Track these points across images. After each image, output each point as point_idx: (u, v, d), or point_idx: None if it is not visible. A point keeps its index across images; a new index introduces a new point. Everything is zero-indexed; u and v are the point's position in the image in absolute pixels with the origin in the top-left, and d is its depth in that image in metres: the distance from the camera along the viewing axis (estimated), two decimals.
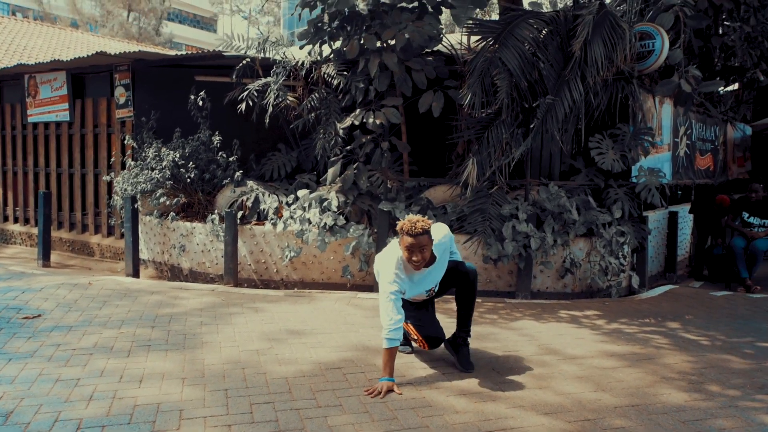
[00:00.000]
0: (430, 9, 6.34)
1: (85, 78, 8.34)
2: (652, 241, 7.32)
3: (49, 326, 4.57)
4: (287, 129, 6.93)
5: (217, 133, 6.99)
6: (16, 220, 9.44)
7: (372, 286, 6.32)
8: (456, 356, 3.88)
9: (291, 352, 4.12)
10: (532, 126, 5.71)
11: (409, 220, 3.46)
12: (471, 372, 3.73)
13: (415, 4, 6.06)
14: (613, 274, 6.46)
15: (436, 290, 3.88)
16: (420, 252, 3.44)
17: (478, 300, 5.89)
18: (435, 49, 6.40)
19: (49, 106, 8.50)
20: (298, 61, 6.18)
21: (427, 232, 3.45)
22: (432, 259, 3.64)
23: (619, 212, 6.42)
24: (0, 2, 44.99)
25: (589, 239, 6.40)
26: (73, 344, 4.18)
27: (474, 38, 6.17)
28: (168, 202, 6.83)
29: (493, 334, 4.70)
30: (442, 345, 3.99)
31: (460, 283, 3.84)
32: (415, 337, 3.89)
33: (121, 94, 7.65)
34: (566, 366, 3.96)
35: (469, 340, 3.90)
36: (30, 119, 8.80)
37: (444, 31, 6.40)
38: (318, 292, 6.15)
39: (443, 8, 6.33)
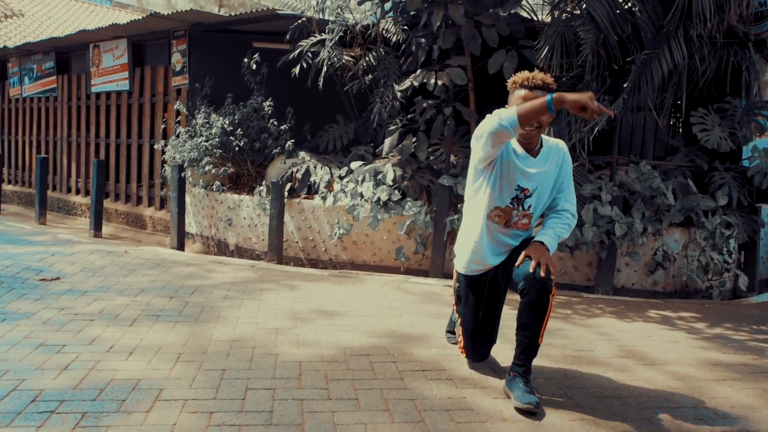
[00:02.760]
0: None
1: (145, 46, 8.10)
2: (765, 238, 6.16)
3: (62, 289, 4.17)
4: (345, 99, 6.33)
5: (270, 100, 6.49)
6: (78, 192, 9.38)
7: (428, 271, 5.61)
8: (511, 392, 2.63)
9: (315, 334, 3.49)
10: (623, 88, 4.80)
11: (526, 72, 2.70)
12: (533, 405, 2.51)
13: None
14: (715, 273, 5.43)
15: (531, 206, 2.77)
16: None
17: None
18: (513, 11, 5.59)
19: (110, 75, 8.33)
20: (354, 19, 5.53)
21: (547, 88, 2.60)
22: (540, 147, 2.77)
23: (725, 199, 5.38)
24: None
25: (686, 229, 5.40)
26: (78, 309, 3.73)
27: None
28: (215, 172, 6.39)
29: (562, 330, 3.88)
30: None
31: (527, 283, 2.61)
32: (459, 340, 3.05)
33: (177, 61, 7.31)
34: (653, 373, 3.11)
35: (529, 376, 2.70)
36: (93, 89, 8.68)
37: None
38: (366, 273, 5.50)
39: None
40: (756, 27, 5.49)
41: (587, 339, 3.69)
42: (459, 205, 5.49)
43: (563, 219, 2.87)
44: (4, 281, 4.27)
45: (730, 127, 5.59)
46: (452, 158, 5.87)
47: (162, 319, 3.63)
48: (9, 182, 10.86)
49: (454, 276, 3.07)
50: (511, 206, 2.77)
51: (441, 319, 3.98)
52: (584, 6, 4.64)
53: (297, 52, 5.74)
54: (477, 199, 2.82)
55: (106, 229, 8.30)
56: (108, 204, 8.68)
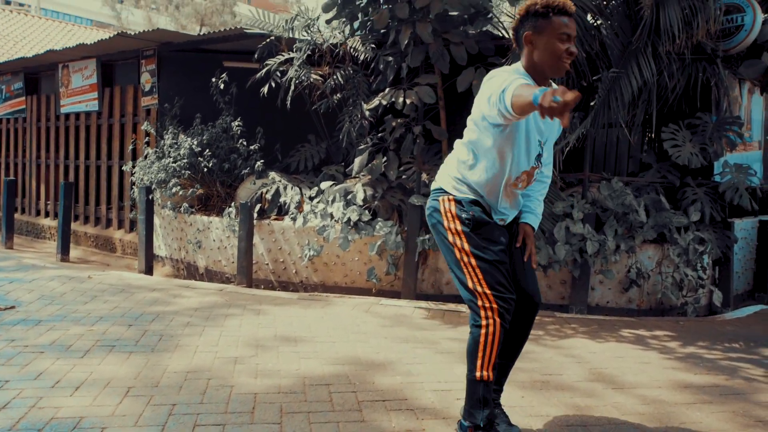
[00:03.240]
0: None
1: (115, 66, 7.98)
2: (739, 254, 6.15)
3: (15, 319, 4.00)
4: (315, 118, 6.24)
5: (239, 119, 6.39)
6: (47, 214, 9.17)
7: (400, 292, 5.50)
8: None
9: (276, 362, 3.36)
10: (591, 104, 4.76)
11: None
12: None
13: None
14: (689, 289, 5.39)
15: (543, 158, 2.44)
16: (573, 43, 2.25)
17: None
18: (483, 28, 5.55)
19: (80, 95, 8.19)
20: (322, 37, 5.45)
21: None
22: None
23: (698, 215, 5.35)
24: (80, 17, 47.20)
25: (660, 246, 5.36)
26: (29, 340, 3.57)
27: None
28: (182, 193, 6.25)
29: (532, 353, 3.78)
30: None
31: (536, 298, 2.50)
32: (477, 292, 2.31)
33: (146, 81, 7.20)
34: (622, 397, 3.02)
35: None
36: (62, 110, 8.52)
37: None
38: (337, 296, 5.38)
39: None
40: (724, 43, 5.51)
41: (557, 362, 3.60)
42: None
43: (543, 193, 2.62)
44: None
45: (701, 142, 5.58)
46: (424, 177, 5.79)
47: (116, 350, 3.48)
48: None
49: (453, 212, 2.39)
50: (535, 165, 2.40)
51: (409, 343, 3.88)
52: None
53: (264, 70, 5.66)
54: (493, 154, 2.32)
55: (75, 252, 8.10)
56: (77, 227, 8.48)
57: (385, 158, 5.54)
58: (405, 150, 5.30)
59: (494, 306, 2.27)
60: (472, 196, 2.39)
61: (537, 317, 4.69)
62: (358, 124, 5.31)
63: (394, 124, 5.35)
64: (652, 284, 5.36)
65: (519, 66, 2.33)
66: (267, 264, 6.03)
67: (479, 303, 2.29)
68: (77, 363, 3.22)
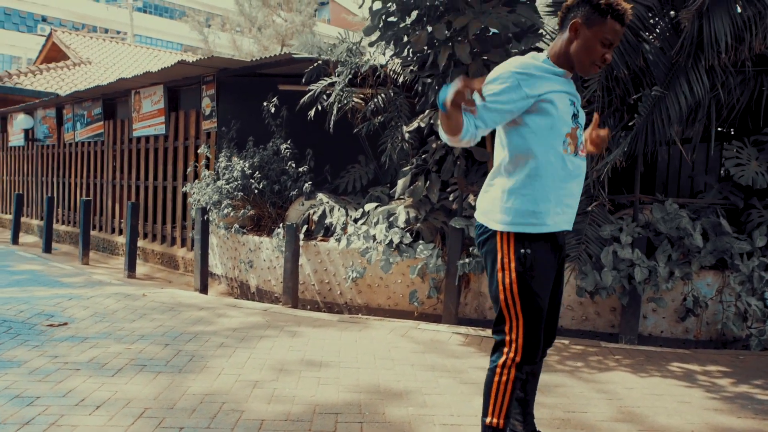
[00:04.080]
0: None
1: (180, 91, 8.39)
2: None
3: (64, 336, 4.24)
4: (362, 140, 6.29)
5: (289, 142, 6.55)
6: (121, 232, 9.72)
7: (441, 316, 5.42)
8: None
9: (293, 388, 3.38)
10: (630, 124, 4.54)
11: None
12: None
13: None
14: (755, 320, 4.99)
15: (579, 124, 2.31)
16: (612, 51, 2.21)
17: (564, 342, 4.78)
18: (533, 45, 5.43)
19: (149, 120, 8.66)
20: (365, 60, 5.50)
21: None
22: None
23: (764, 240, 4.96)
24: (171, 42, 50.12)
25: (720, 273, 5.00)
26: (70, 357, 3.77)
27: None
28: (234, 214, 6.45)
29: (562, 386, 3.61)
30: None
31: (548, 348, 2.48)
32: (509, 338, 2.24)
33: (206, 105, 7.52)
34: None
35: None
36: (134, 134, 9.04)
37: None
38: (377, 319, 5.37)
39: None
40: None
41: (585, 398, 3.42)
42: (471, 248, 5.31)
43: None
44: (13, 326, 4.40)
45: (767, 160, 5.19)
46: (470, 199, 5.70)
47: (147, 369, 3.61)
48: (63, 222, 11.41)
49: (512, 248, 2.22)
50: (575, 125, 2.27)
51: (435, 371, 3.80)
52: None
53: (309, 94, 5.77)
54: (534, 138, 2.20)
55: (143, 269, 8.53)
56: (146, 244, 8.94)
57: (427, 180, 5.49)
58: (446, 172, 5.24)
59: (518, 359, 2.21)
60: (533, 228, 2.20)
61: (581, 347, 4.51)
62: (399, 146, 5.30)
63: (434, 145, 5.31)
64: (712, 314, 5.00)
65: (538, 56, 2.25)
66: (313, 285, 6.10)
67: (505, 349, 2.24)
68: (106, 381, 3.37)
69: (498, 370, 2.23)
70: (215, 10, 45.62)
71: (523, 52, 5.29)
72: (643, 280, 4.80)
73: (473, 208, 5.68)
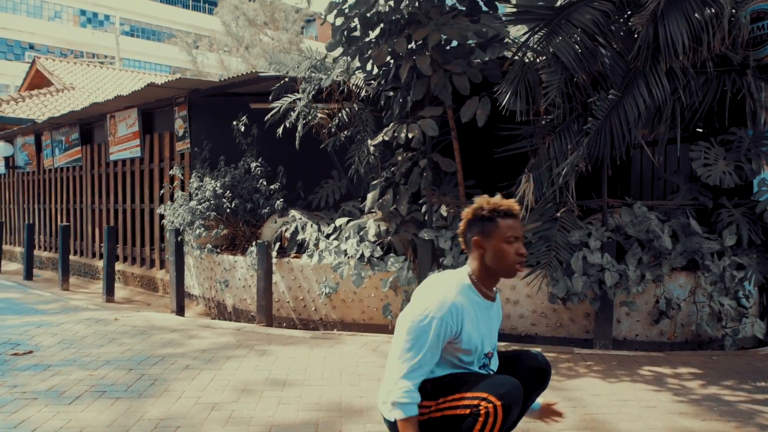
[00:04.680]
0: (482, 5, 5.47)
1: (153, 113, 8.38)
2: None
3: (28, 364, 4.18)
4: (333, 155, 6.28)
5: (260, 160, 6.53)
6: (101, 256, 9.65)
7: None
8: None
9: (252, 409, 3.33)
10: (585, 128, 4.53)
11: (479, 203, 2.30)
12: None
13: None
14: (729, 320, 4.96)
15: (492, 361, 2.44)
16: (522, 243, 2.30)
17: (537, 349, 4.72)
18: (498, 56, 5.43)
19: (125, 143, 8.64)
20: (324, 75, 5.50)
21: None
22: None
23: (734, 239, 4.95)
24: (159, 65, 50.32)
25: (692, 274, 4.99)
26: (29, 386, 3.71)
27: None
28: (205, 234, 6.42)
29: None
30: None
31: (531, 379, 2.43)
32: (475, 402, 2.13)
33: (179, 126, 7.50)
34: None
35: None
36: (111, 157, 9.01)
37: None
38: (349, 334, 5.32)
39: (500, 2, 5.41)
40: (755, 52, 5.13)
41: None
42: (441, 259, 5.28)
43: None
44: None
45: (735, 160, 5.18)
46: (443, 210, 5.69)
47: (106, 395, 3.55)
48: (44, 249, 11.34)
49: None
50: (485, 358, 2.40)
51: None
52: (550, 48, 4.45)
53: (273, 111, 5.76)
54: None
55: (123, 292, 8.46)
56: (125, 267, 8.88)
57: (396, 193, 5.47)
58: (412, 184, 5.23)
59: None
60: None
61: (554, 354, 4.47)
62: (365, 160, 5.29)
63: (400, 158, 5.30)
64: (686, 315, 4.98)
65: (464, 274, 2.31)
66: (288, 302, 6.05)
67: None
68: (61, 410, 3.31)
69: (477, 423, 2.12)
70: (203, 31, 45.76)
71: (487, 63, 5.31)
72: (614, 284, 4.77)
73: (444, 218, 5.67)
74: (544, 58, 4.51)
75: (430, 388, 2.21)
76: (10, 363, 4.22)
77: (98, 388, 3.68)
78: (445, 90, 5.03)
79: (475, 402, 2.11)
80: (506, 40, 5.49)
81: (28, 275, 9.70)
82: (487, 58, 5.43)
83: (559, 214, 5.06)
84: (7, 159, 12.20)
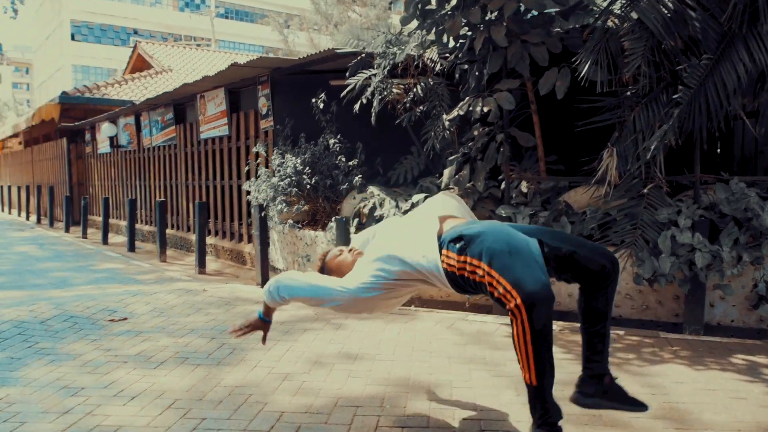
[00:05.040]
0: None
1: (240, 93, 8.64)
2: None
3: (122, 330, 4.49)
4: (411, 131, 6.23)
5: (339, 136, 6.59)
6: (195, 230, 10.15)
7: (491, 307, 5.29)
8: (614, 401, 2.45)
9: (321, 380, 3.40)
10: (674, 98, 4.21)
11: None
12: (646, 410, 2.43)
13: None
14: None
15: None
16: None
17: (620, 332, 4.54)
18: (582, 23, 5.16)
19: (214, 122, 8.98)
20: (398, 50, 5.43)
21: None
22: None
23: None
24: (253, 45, 51.90)
25: None
26: (121, 350, 3.98)
27: None
28: (287, 210, 6.58)
29: None
30: None
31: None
32: (500, 289, 2.17)
33: (263, 105, 7.70)
34: None
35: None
36: (201, 136, 9.41)
37: None
38: (426, 310, 5.32)
39: None
40: None
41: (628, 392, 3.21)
42: None
43: None
44: (78, 322, 4.69)
45: None
46: (523, 186, 5.53)
47: (188, 362, 3.75)
48: (145, 223, 12.08)
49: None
50: None
51: (471, 364, 3.71)
52: (633, 14, 4.16)
53: (349, 88, 5.78)
54: None
55: (215, 265, 8.88)
56: (216, 241, 9.30)
57: (472, 169, 5.36)
58: (488, 159, 5.09)
59: (518, 301, 2.11)
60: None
61: (637, 338, 4.26)
62: (440, 135, 5.21)
63: (476, 133, 5.17)
64: None
65: None
66: None
67: (507, 305, 2.19)
68: (147, 374, 3.52)
69: (513, 326, 2.15)
70: (293, 11, 46.74)
71: (569, 32, 5.06)
72: (706, 266, 4.46)
73: (524, 195, 5.51)
74: (627, 24, 4.22)
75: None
76: (107, 328, 4.54)
77: (181, 355, 3.89)
78: (522, 62, 4.84)
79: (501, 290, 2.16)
80: (590, 7, 5.20)
81: (131, 247, 10.39)
82: (570, 27, 5.17)
83: (645, 191, 4.79)
84: (111, 138, 13.04)
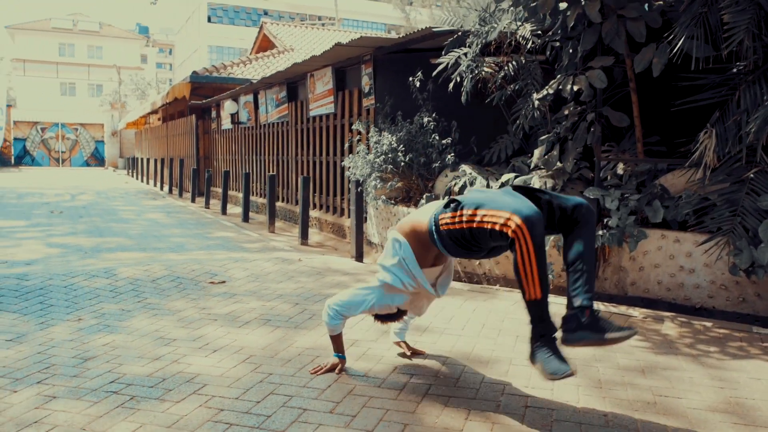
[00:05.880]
0: None
1: (346, 71, 8.92)
2: None
3: (219, 292, 4.93)
4: (504, 110, 6.18)
5: (434, 115, 6.67)
6: None
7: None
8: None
9: (385, 348, 3.57)
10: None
11: None
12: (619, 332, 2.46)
13: None
14: None
15: None
16: None
17: (707, 324, 4.31)
18: None
19: (321, 100, 9.36)
20: (490, 28, 5.37)
21: None
22: None
23: None
24: (375, 23, 52.66)
25: None
26: (214, 310, 4.39)
27: None
28: (381, 186, 6.79)
29: (670, 368, 3.31)
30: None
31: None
32: (498, 219, 2.49)
33: (366, 83, 7.92)
34: None
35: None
36: (311, 113, 9.83)
37: None
38: (507, 290, 5.33)
39: None
40: None
41: (691, 383, 3.10)
42: (606, 220, 4.98)
43: None
44: (182, 282, 5.21)
45: None
46: (619, 168, 5.33)
47: (270, 323, 4.07)
48: (260, 195, 12.85)
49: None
50: None
51: None
52: None
53: (441, 66, 5.82)
54: None
55: (318, 237, 9.33)
56: (320, 214, 9.75)
57: (562, 149, 5.25)
58: (578, 139, 4.96)
59: (518, 221, 2.43)
60: None
61: (726, 331, 4.05)
62: (530, 114, 5.14)
63: (567, 112, 5.05)
64: None
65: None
66: None
67: (508, 233, 2.48)
68: (231, 331, 3.88)
69: (515, 248, 2.44)
70: None
71: (673, 5, 4.77)
72: None
73: (619, 177, 5.32)
74: None
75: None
76: (206, 290, 5.00)
77: (265, 317, 4.23)
78: (618, 38, 4.65)
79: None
80: None
81: (245, 218, 11.14)
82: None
83: (751, 175, 4.46)
84: (232, 115, 13.94)
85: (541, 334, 2.53)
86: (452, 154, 6.42)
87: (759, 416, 2.72)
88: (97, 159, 41.81)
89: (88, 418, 2.60)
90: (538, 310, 2.52)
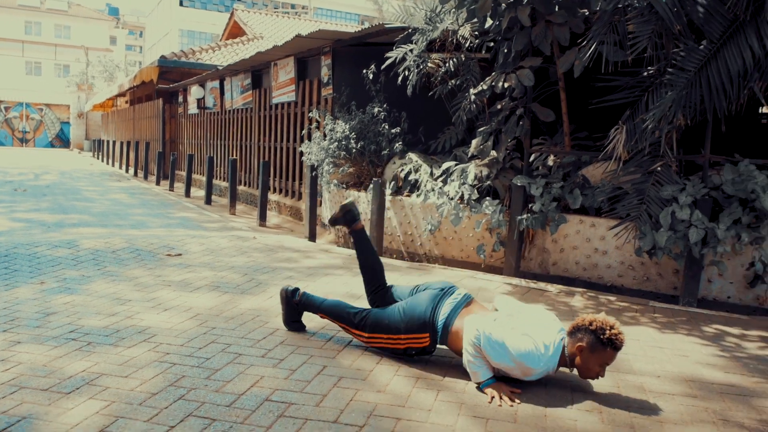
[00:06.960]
0: None
1: (307, 62, 9.31)
2: None
3: (175, 263, 5.30)
4: (446, 103, 6.66)
5: (385, 106, 7.11)
6: None
7: (502, 270, 5.72)
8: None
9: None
10: (664, 79, 4.41)
11: (609, 323, 2.73)
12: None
13: None
14: None
15: None
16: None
17: (611, 298, 4.86)
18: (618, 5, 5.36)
19: (284, 88, 9.73)
20: (433, 27, 5.85)
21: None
22: None
23: None
24: (348, 13, 52.84)
25: None
26: (170, 277, 4.78)
27: None
28: (334, 171, 7.22)
29: None
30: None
31: None
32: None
33: (325, 74, 8.32)
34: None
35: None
36: (273, 101, 10.20)
37: None
38: (442, 268, 5.82)
39: None
40: None
41: None
42: (530, 205, 5.51)
43: None
44: (141, 254, 5.57)
45: None
46: (550, 160, 5.85)
47: (219, 290, 4.48)
48: (222, 179, 13.17)
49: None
50: None
51: None
52: None
53: (389, 60, 6.27)
54: None
55: (276, 219, 9.72)
56: (279, 198, 10.14)
57: (496, 141, 5.75)
58: (508, 131, 5.47)
59: None
60: None
61: (626, 303, 4.60)
62: (467, 108, 5.62)
63: (499, 106, 5.54)
64: None
65: (561, 341, 2.81)
66: (399, 236, 6.68)
67: None
68: (183, 295, 4.28)
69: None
70: None
71: (595, 14, 5.28)
72: (700, 242, 4.68)
73: (549, 168, 5.84)
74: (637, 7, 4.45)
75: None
76: (163, 261, 5.38)
77: (215, 285, 4.63)
78: (545, 40, 5.15)
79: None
80: None
81: (208, 200, 11.46)
82: (598, 8, 5.38)
83: (657, 168, 5.02)
84: (199, 100, 14.19)
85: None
86: (400, 143, 6.89)
87: (624, 365, 3.24)
88: (63, 140, 41.30)
89: (48, 357, 3.00)
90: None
